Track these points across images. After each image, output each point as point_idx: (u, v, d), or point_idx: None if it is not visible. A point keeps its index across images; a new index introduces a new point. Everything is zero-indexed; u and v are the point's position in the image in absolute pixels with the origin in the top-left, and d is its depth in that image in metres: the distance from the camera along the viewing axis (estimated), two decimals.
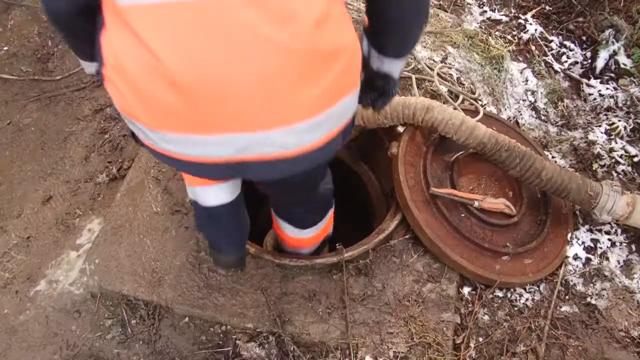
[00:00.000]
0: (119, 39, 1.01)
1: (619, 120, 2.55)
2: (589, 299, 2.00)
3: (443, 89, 2.36)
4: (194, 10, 0.91)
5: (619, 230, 2.20)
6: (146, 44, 0.95)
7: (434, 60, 2.59)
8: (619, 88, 2.72)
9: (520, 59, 2.86)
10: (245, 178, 1.35)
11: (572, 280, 2.04)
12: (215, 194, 1.51)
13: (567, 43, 2.97)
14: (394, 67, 1.34)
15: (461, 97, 2.40)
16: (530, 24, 3.01)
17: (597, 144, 2.45)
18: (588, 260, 2.10)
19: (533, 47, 2.91)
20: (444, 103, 2.12)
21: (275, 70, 0.97)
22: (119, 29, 0.99)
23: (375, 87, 1.37)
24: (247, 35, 0.93)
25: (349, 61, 1.09)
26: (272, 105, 1.02)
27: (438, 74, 2.44)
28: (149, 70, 0.97)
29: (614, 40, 2.81)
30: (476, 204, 1.99)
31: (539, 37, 2.95)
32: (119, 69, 1.03)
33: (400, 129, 2.16)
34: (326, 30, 0.99)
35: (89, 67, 1.28)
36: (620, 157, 2.42)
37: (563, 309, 1.97)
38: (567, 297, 2.01)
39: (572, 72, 2.85)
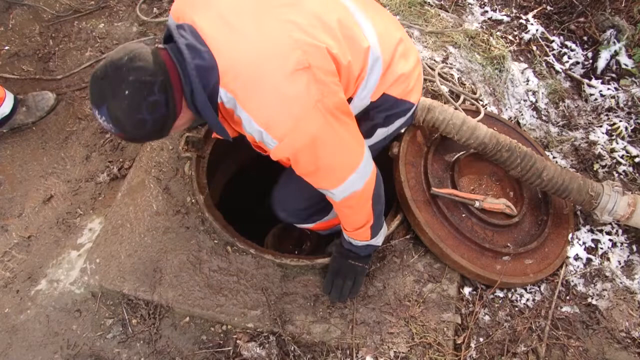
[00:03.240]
0: None
1: (620, 121, 2.55)
2: (589, 300, 2.00)
3: (444, 89, 2.36)
4: None
5: (620, 231, 2.20)
6: None
7: (435, 60, 2.58)
8: (620, 88, 2.72)
9: (522, 59, 2.86)
10: None
11: (573, 281, 2.04)
12: None
13: (568, 43, 2.97)
14: None
15: (462, 97, 2.40)
16: (532, 24, 3.00)
17: (598, 144, 2.45)
18: (589, 260, 2.10)
19: (534, 47, 2.91)
20: (445, 103, 2.12)
21: None
22: None
23: None
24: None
25: None
26: None
27: (439, 74, 2.44)
28: None
29: (615, 41, 2.81)
30: (477, 204, 1.99)
31: (540, 37, 2.95)
32: None
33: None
34: None
35: None
36: (622, 157, 2.42)
37: (564, 309, 1.97)
38: (567, 297, 2.00)
39: (573, 72, 2.85)
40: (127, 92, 1.17)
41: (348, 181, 1.48)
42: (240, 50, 1.28)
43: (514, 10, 3.11)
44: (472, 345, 1.81)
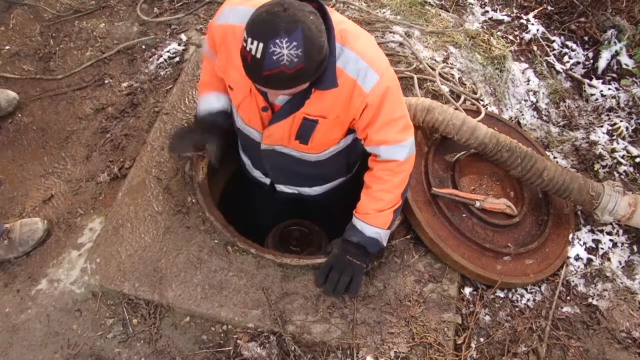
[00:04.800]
0: None
1: (621, 121, 2.55)
2: (590, 300, 2.00)
3: (445, 89, 2.36)
4: None
5: (621, 231, 2.20)
6: None
7: (435, 60, 2.58)
8: (621, 88, 2.72)
9: (522, 59, 2.86)
10: None
11: (573, 281, 2.04)
12: None
13: (569, 43, 2.96)
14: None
15: (463, 97, 2.40)
16: (532, 24, 3.00)
17: (599, 144, 2.45)
18: (589, 260, 2.10)
19: (535, 47, 2.91)
20: (445, 103, 2.12)
21: None
22: None
23: None
24: None
25: None
26: None
27: (440, 74, 2.44)
28: None
29: (616, 41, 2.81)
30: (477, 204, 1.99)
31: (540, 37, 2.95)
32: None
33: None
34: None
35: None
36: (622, 157, 2.42)
37: (564, 309, 1.97)
38: (568, 297, 2.00)
39: (574, 72, 2.84)
40: (311, 17, 1.31)
41: (413, 136, 1.69)
42: (341, 18, 1.56)
43: (515, 10, 3.11)
44: (473, 345, 1.81)
